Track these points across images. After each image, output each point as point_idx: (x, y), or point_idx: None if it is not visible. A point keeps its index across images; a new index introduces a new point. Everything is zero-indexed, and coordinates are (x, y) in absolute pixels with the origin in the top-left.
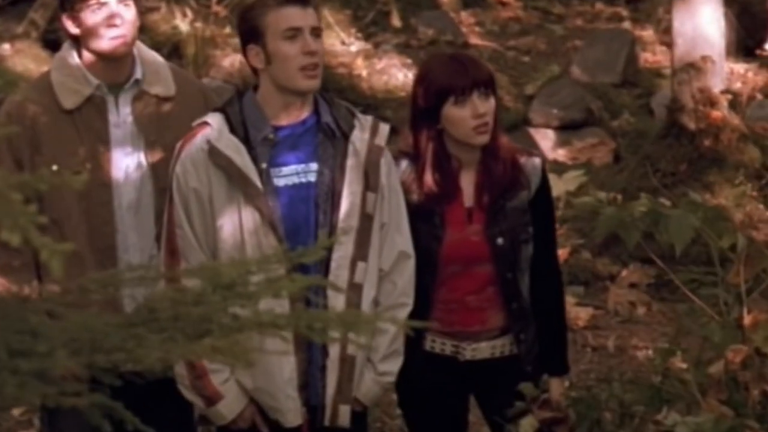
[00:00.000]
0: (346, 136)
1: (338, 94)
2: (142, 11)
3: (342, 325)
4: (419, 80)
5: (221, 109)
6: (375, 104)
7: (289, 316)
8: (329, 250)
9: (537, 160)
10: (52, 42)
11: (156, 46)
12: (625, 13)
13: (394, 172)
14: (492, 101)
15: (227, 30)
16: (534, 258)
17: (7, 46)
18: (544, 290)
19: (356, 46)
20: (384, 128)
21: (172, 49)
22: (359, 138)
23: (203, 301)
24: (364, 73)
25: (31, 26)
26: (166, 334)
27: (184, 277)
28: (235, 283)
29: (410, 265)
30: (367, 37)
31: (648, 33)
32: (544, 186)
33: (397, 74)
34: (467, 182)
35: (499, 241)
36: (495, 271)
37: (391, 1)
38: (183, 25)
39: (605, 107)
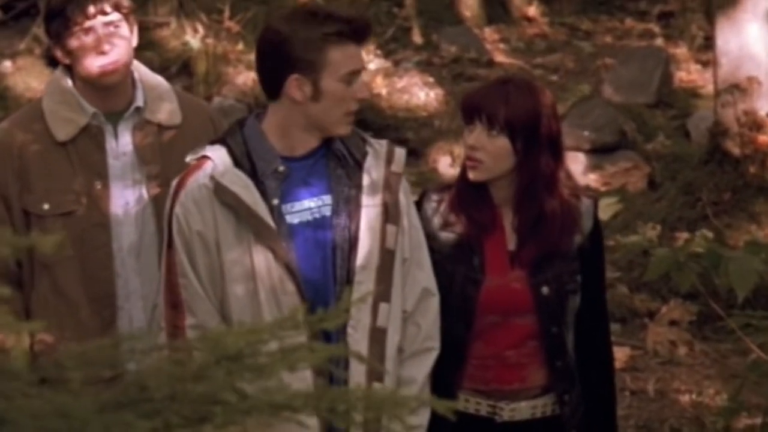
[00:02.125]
0: (359, 165)
1: (356, 114)
2: (150, 27)
3: (371, 406)
4: None
5: (221, 141)
6: (395, 125)
7: (308, 395)
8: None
9: (590, 202)
10: (56, 59)
11: (165, 64)
12: (656, 29)
13: (412, 203)
14: (499, 143)
15: (240, 46)
16: (581, 310)
17: (8, 64)
18: (591, 346)
19: (375, 63)
20: (400, 153)
21: (182, 66)
22: (374, 166)
23: (206, 375)
24: (383, 92)
25: (34, 42)
26: (159, 418)
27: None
28: (244, 353)
29: (434, 304)
30: (387, 55)
31: (682, 50)
32: (596, 230)
33: (418, 93)
34: (510, 222)
35: (544, 290)
36: (538, 324)
37: (412, 16)
38: (194, 41)
39: (639, 129)
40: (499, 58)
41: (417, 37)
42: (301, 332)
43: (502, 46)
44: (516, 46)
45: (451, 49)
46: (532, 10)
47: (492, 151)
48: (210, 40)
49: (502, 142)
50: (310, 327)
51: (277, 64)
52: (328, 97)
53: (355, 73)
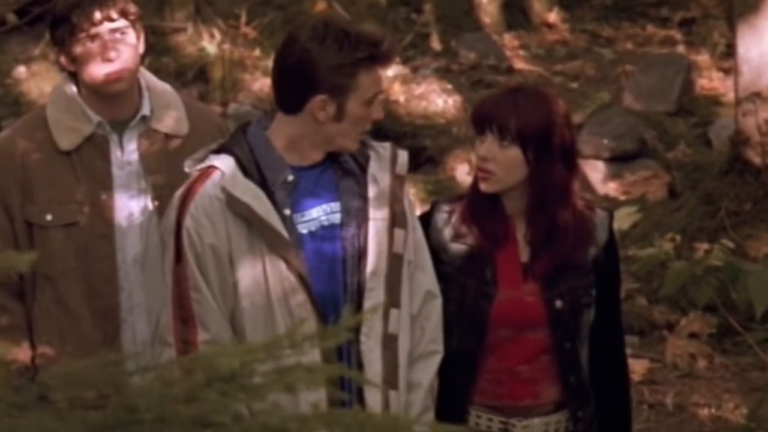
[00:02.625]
0: (363, 170)
1: (374, 121)
2: (167, 32)
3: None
4: None
5: (226, 150)
6: (413, 132)
7: (304, 418)
8: (359, 300)
9: (604, 214)
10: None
11: (181, 69)
12: (678, 36)
13: (412, 205)
14: (510, 154)
15: (257, 52)
16: (595, 324)
17: (22, 69)
18: (606, 362)
19: (393, 70)
20: (403, 155)
21: (199, 72)
22: (378, 170)
23: (197, 396)
24: (401, 98)
25: (49, 48)
26: None
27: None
28: (238, 373)
29: (437, 306)
30: (405, 61)
31: (704, 58)
32: (611, 243)
33: (436, 100)
34: (523, 234)
35: (558, 303)
36: (551, 339)
37: (430, 22)
38: (210, 47)
39: (659, 137)
40: (519, 64)
41: (435, 44)
42: (295, 352)
43: (521, 52)
44: (536, 52)
45: (470, 56)
46: (553, 17)
47: (503, 162)
48: (226, 46)
49: (514, 153)
50: (312, 344)
51: (302, 82)
52: (350, 118)
53: (378, 95)
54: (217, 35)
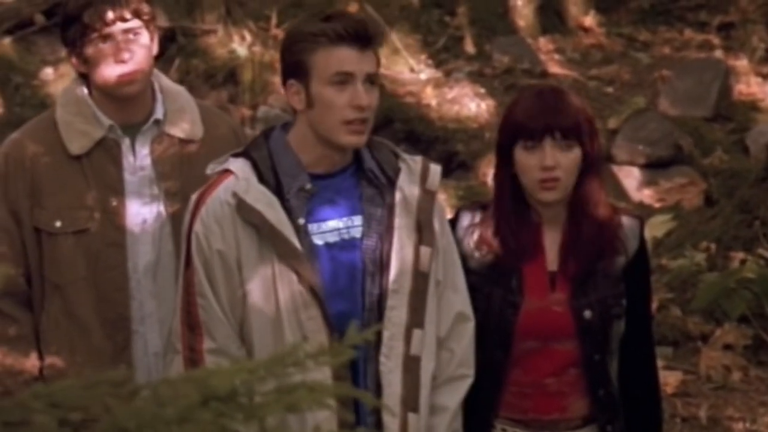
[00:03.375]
0: (392, 183)
1: (405, 125)
2: (198, 34)
3: None
4: (505, 110)
5: (245, 154)
6: (445, 136)
7: None
8: (380, 317)
9: (635, 221)
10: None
11: (211, 72)
12: (716, 41)
13: (446, 222)
14: (573, 155)
15: None
16: (625, 336)
17: (49, 71)
18: (637, 375)
19: (426, 73)
20: (435, 170)
21: (229, 74)
22: (407, 183)
23: (191, 417)
24: (433, 102)
25: None
26: None
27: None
28: (237, 392)
29: (469, 329)
30: (438, 64)
31: (742, 63)
32: (642, 252)
33: (469, 104)
34: (551, 242)
35: (587, 314)
36: (580, 351)
37: (464, 25)
38: (241, 49)
39: (696, 144)
40: (553, 68)
41: (469, 47)
42: (298, 370)
43: (556, 56)
44: (571, 56)
45: (504, 60)
46: (589, 20)
47: (568, 166)
48: (257, 48)
49: (575, 154)
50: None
51: (282, 70)
52: (319, 103)
53: (345, 75)
54: (248, 37)
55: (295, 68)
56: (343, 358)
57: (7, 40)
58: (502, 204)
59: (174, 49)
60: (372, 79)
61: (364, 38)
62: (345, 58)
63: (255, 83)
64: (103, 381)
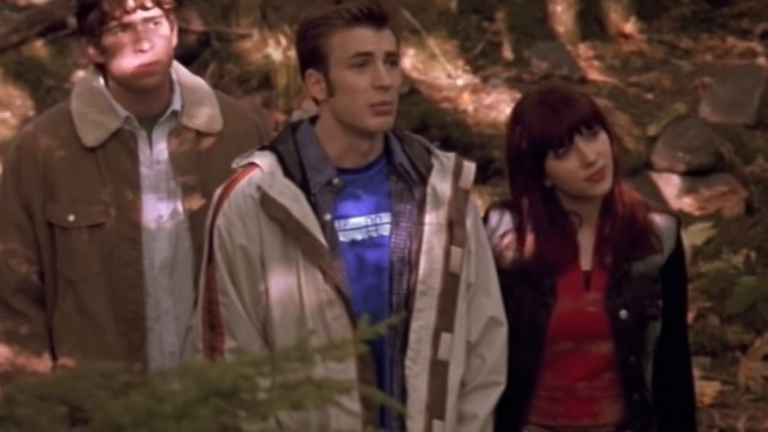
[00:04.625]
0: (423, 179)
1: (441, 131)
2: (233, 38)
3: None
4: (511, 131)
5: (271, 147)
6: (481, 142)
7: None
8: (407, 319)
9: (672, 220)
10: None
11: (245, 76)
12: (759, 48)
13: (480, 222)
14: (603, 138)
15: None
16: (660, 338)
17: (81, 74)
18: (672, 379)
19: (463, 79)
20: (469, 168)
21: (263, 79)
22: (440, 181)
23: (189, 413)
24: (470, 108)
25: None
26: None
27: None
28: (239, 388)
29: (502, 335)
30: (475, 70)
31: None
32: (679, 251)
33: (506, 110)
34: (586, 240)
35: (622, 314)
36: (615, 353)
37: (503, 31)
38: (276, 53)
39: (737, 151)
40: (593, 75)
41: (507, 53)
42: (347, 363)
43: (596, 63)
44: (611, 63)
45: (542, 66)
46: (629, 27)
47: (605, 151)
48: (291, 53)
49: (604, 137)
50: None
51: (300, 62)
52: (340, 89)
53: (365, 56)
54: (283, 41)
55: (312, 56)
56: (347, 355)
57: (39, 43)
58: (538, 222)
59: (208, 53)
60: (393, 60)
61: (380, 17)
62: (362, 38)
63: (289, 88)
64: (92, 372)
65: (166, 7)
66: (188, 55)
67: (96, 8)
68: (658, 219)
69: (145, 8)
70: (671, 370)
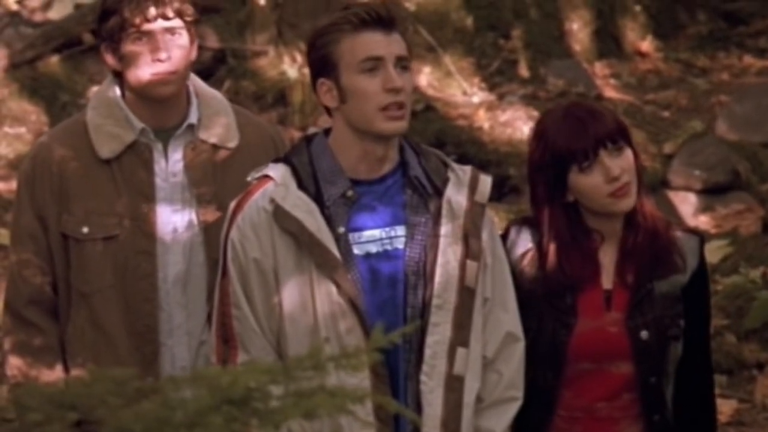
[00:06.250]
0: (439, 192)
1: (457, 148)
2: (249, 55)
3: None
4: (534, 145)
5: (285, 159)
6: (497, 160)
7: None
8: (422, 334)
9: (695, 239)
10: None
11: (261, 93)
12: None
13: (496, 235)
14: (628, 155)
15: None
16: (682, 359)
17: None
18: (693, 401)
19: (479, 96)
20: (485, 181)
21: (279, 96)
22: (455, 193)
23: (201, 421)
24: (486, 125)
25: None
26: None
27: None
28: (251, 396)
29: (519, 350)
30: (491, 88)
31: None
32: (702, 270)
33: (522, 127)
34: (607, 259)
35: (644, 334)
36: (635, 373)
37: (519, 48)
38: (291, 70)
39: (753, 169)
40: (609, 93)
41: (523, 71)
42: (361, 378)
43: (612, 81)
44: (627, 81)
45: (558, 83)
46: (646, 45)
47: (629, 167)
48: (307, 70)
49: (628, 153)
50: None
51: (311, 71)
52: (352, 94)
53: (375, 60)
54: (299, 58)
55: (322, 64)
56: (365, 363)
57: (54, 59)
58: (559, 237)
59: (224, 70)
60: (404, 64)
61: (388, 21)
62: (371, 42)
63: (305, 104)
64: (104, 379)
65: (188, 19)
66: (204, 71)
67: (117, 14)
68: (682, 237)
69: (166, 18)
70: (693, 390)
